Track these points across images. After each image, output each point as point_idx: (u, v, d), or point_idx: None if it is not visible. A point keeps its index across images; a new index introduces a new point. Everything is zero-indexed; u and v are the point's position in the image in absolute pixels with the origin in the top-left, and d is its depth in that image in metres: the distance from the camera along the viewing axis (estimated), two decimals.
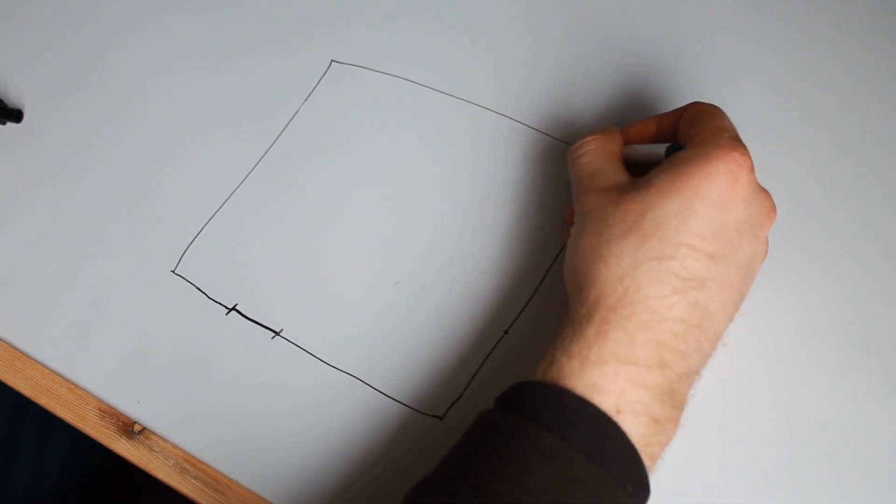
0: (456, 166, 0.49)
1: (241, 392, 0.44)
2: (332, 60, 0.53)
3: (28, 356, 0.47)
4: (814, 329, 0.42)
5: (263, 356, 0.45)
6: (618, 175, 0.39)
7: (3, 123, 0.54)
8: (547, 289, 0.44)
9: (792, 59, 0.49)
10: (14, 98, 0.55)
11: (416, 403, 0.43)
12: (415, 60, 0.52)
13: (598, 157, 0.41)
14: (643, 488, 0.33)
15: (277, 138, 0.51)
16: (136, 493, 0.57)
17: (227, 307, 0.47)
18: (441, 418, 0.42)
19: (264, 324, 0.46)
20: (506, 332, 0.44)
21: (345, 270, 0.47)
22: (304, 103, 0.52)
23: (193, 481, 0.43)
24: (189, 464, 0.43)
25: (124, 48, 0.56)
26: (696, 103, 0.40)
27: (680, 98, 0.48)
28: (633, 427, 0.33)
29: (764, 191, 0.38)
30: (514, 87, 0.50)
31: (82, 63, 0.56)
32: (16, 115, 0.54)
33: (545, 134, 0.49)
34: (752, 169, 0.36)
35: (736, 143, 0.36)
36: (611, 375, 0.34)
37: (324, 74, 0.53)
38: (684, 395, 0.35)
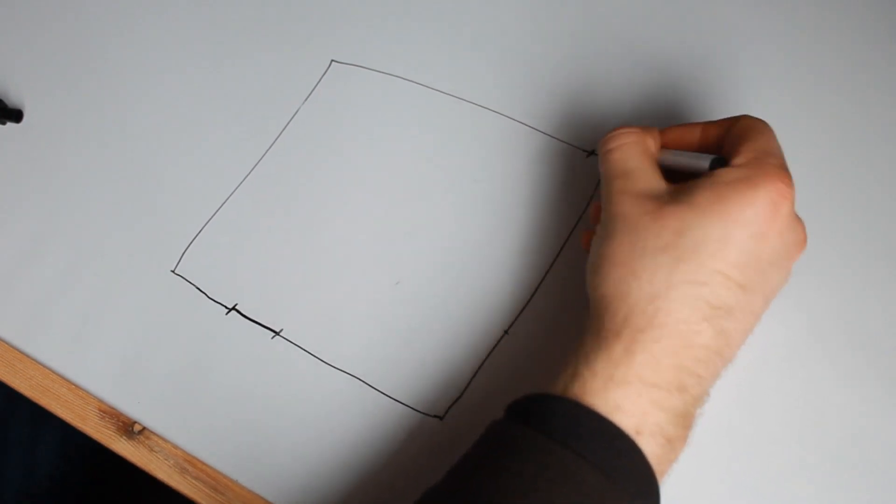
0: (456, 166, 0.49)
1: (241, 392, 0.44)
2: (332, 60, 0.53)
3: (28, 356, 0.47)
4: (817, 330, 0.41)
5: (263, 356, 0.45)
6: (654, 180, 0.38)
7: (3, 123, 0.54)
8: (547, 289, 0.44)
9: (792, 59, 0.49)
10: (14, 98, 0.55)
11: (416, 403, 0.43)
12: (415, 60, 0.52)
13: (633, 154, 0.39)
14: None
15: (277, 138, 0.51)
16: (135, 488, 0.57)
17: (226, 307, 0.47)
18: (441, 418, 0.42)
19: (264, 324, 0.46)
20: (506, 332, 0.44)
21: (345, 270, 0.47)
22: (304, 103, 0.52)
23: (193, 481, 0.43)
24: (189, 463, 0.43)
25: (124, 48, 0.56)
26: (747, 117, 0.39)
27: (680, 98, 0.48)
28: (650, 448, 0.33)
29: (800, 221, 0.37)
30: (514, 87, 0.50)
31: (82, 63, 0.56)
32: (16, 115, 0.54)
33: (545, 133, 0.49)
34: (793, 200, 0.35)
35: (782, 171, 0.35)
36: (634, 397, 0.33)
37: (324, 74, 0.53)
38: (695, 415, 0.35)
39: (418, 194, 0.48)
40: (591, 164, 0.47)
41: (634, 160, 0.39)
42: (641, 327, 0.34)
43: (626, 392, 0.33)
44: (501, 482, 0.32)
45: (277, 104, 0.52)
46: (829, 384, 0.40)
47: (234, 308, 0.47)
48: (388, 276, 0.46)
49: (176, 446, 0.44)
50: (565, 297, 0.44)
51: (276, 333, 0.46)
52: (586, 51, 0.51)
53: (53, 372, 0.46)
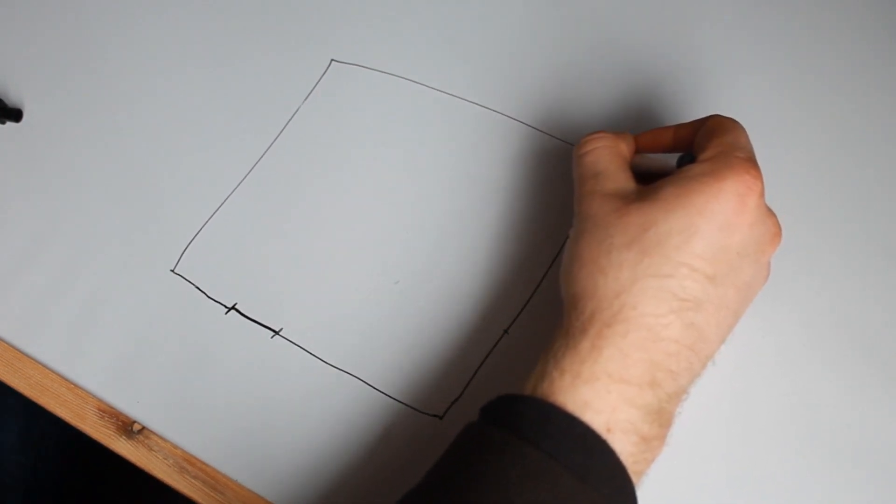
0: (456, 166, 0.49)
1: (241, 391, 0.44)
2: (332, 60, 0.53)
3: (28, 356, 0.47)
4: (813, 329, 0.41)
5: (263, 355, 0.45)
6: (623, 181, 0.38)
7: (3, 123, 0.54)
8: (547, 289, 0.44)
9: (792, 59, 0.49)
10: (14, 98, 0.55)
11: (415, 403, 0.43)
12: (415, 60, 0.52)
13: (604, 156, 0.40)
14: None
15: (277, 138, 0.51)
16: (134, 487, 0.57)
17: (226, 306, 0.47)
18: (441, 418, 0.42)
19: (264, 323, 0.46)
20: (506, 332, 0.44)
21: (344, 270, 0.47)
22: (303, 102, 0.52)
23: (193, 481, 0.43)
24: (188, 463, 0.43)
25: (124, 47, 0.56)
26: (716, 116, 0.39)
27: (678, 98, 0.48)
28: (623, 446, 0.33)
29: (771, 214, 0.37)
30: (515, 87, 0.51)
31: (82, 63, 0.56)
32: (16, 115, 0.54)
33: (546, 133, 0.49)
34: (762, 193, 0.35)
35: (750, 164, 0.35)
36: (602, 393, 0.33)
37: (324, 74, 0.53)
38: (672, 413, 0.35)
39: (418, 194, 0.48)
40: None
41: (605, 162, 0.39)
42: (608, 322, 0.34)
43: (593, 388, 0.33)
44: (476, 484, 0.32)
45: (277, 104, 0.52)
46: (828, 383, 0.40)
47: (233, 307, 0.47)
48: (388, 275, 0.46)
49: (175, 446, 0.44)
50: (562, 303, 0.44)
51: (276, 333, 0.46)
52: (587, 51, 0.51)
53: (52, 371, 0.46)
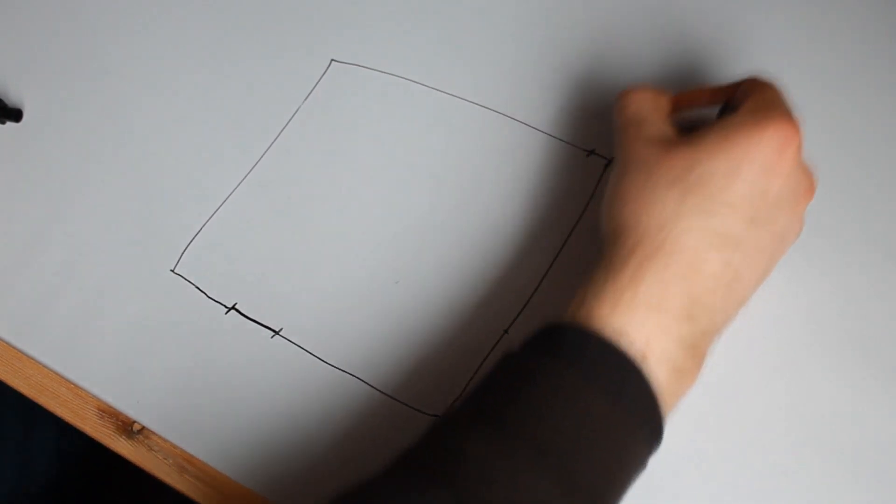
0: (456, 165, 0.49)
1: (241, 391, 0.44)
2: (332, 60, 0.53)
3: (28, 356, 0.47)
4: (815, 327, 0.41)
5: (263, 355, 0.45)
6: (665, 128, 0.40)
7: (3, 123, 0.54)
8: (547, 289, 0.44)
9: (792, 59, 0.49)
10: (14, 98, 0.55)
11: (415, 402, 0.43)
12: (415, 60, 0.52)
13: (646, 106, 0.41)
14: (658, 435, 0.34)
15: (277, 137, 0.51)
16: (134, 487, 0.57)
17: (226, 306, 0.47)
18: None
19: (264, 323, 0.46)
20: (505, 332, 0.44)
21: (345, 270, 0.47)
22: (303, 102, 0.52)
23: (193, 481, 0.43)
24: (188, 463, 0.43)
25: (124, 47, 0.56)
26: (756, 76, 0.41)
27: None
28: (656, 374, 0.34)
29: (807, 169, 0.38)
30: (514, 87, 0.51)
31: (82, 63, 0.56)
32: (16, 115, 0.54)
33: (546, 133, 0.49)
34: (800, 145, 0.37)
35: (790, 117, 0.37)
36: (641, 322, 0.34)
37: (324, 74, 0.53)
38: (705, 350, 0.36)
39: (418, 194, 0.48)
40: (592, 164, 0.47)
41: (647, 111, 0.41)
42: (650, 254, 0.35)
43: (632, 317, 0.34)
44: (512, 405, 0.33)
45: (277, 103, 0.52)
46: (829, 382, 0.40)
47: (233, 307, 0.47)
48: (388, 275, 0.46)
49: (175, 446, 0.44)
50: (565, 297, 0.44)
51: (276, 333, 0.46)
52: (586, 51, 0.51)
53: (52, 371, 0.46)
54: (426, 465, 0.33)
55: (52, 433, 0.59)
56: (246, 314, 0.46)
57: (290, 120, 0.52)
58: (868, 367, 0.40)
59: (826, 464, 0.39)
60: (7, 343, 0.47)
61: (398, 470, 0.34)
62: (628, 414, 0.33)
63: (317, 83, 0.53)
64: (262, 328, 0.46)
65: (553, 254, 0.45)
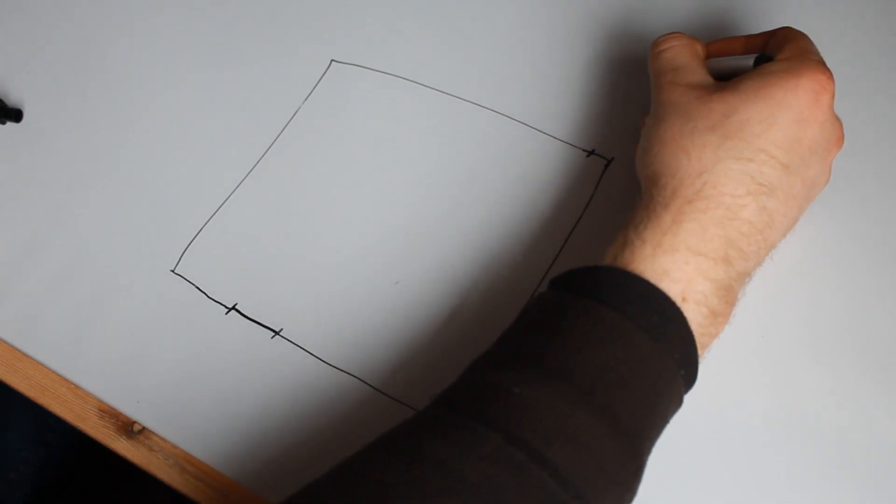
0: (456, 166, 0.49)
1: (241, 391, 0.44)
2: (332, 60, 0.53)
3: (28, 356, 0.47)
4: (815, 328, 0.41)
5: (263, 355, 0.45)
6: (702, 74, 0.41)
7: (3, 123, 0.54)
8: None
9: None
10: (14, 98, 0.55)
11: (415, 403, 0.43)
12: (415, 60, 0.52)
13: (682, 53, 0.42)
14: (692, 378, 0.35)
15: (277, 138, 0.51)
16: (134, 485, 0.57)
17: (226, 307, 0.47)
18: None
19: (264, 323, 0.46)
20: None
21: (345, 270, 0.47)
22: (303, 103, 0.52)
23: (193, 481, 0.43)
24: (188, 463, 0.43)
25: (124, 47, 0.56)
26: (789, 27, 0.42)
27: None
28: (693, 316, 0.35)
29: (838, 120, 0.39)
30: (514, 87, 0.51)
31: (82, 63, 0.56)
32: (16, 115, 0.54)
33: (545, 133, 0.49)
34: (833, 94, 0.38)
35: (823, 66, 0.38)
36: (681, 264, 0.35)
37: (324, 74, 0.53)
38: (737, 293, 0.37)
39: (418, 194, 0.48)
40: (591, 164, 0.47)
41: (683, 58, 0.42)
42: (689, 198, 0.36)
43: (673, 259, 0.35)
44: (551, 341, 0.33)
45: (277, 104, 0.52)
46: (827, 383, 0.40)
47: (233, 308, 0.47)
48: (388, 275, 0.46)
49: (175, 446, 0.44)
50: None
51: (276, 333, 0.46)
52: (586, 51, 0.51)
53: (53, 371, 0.46)
54: (468, 405, 0.33)
55: (59, 433, 0.59)
56: (246, 315, 0.46)
57: (290, 120, 0.52)
58: (868, 367, 0.40)
59: (826, 464, 0.39)
60: (7, 343, 0.47)
61: (440, 409, 0.34)
62: (668, 354, 0.33)
63: (317, 83, 0.53)
64: (263, 328, 0.46)
65: (553, 254, 0.45)
